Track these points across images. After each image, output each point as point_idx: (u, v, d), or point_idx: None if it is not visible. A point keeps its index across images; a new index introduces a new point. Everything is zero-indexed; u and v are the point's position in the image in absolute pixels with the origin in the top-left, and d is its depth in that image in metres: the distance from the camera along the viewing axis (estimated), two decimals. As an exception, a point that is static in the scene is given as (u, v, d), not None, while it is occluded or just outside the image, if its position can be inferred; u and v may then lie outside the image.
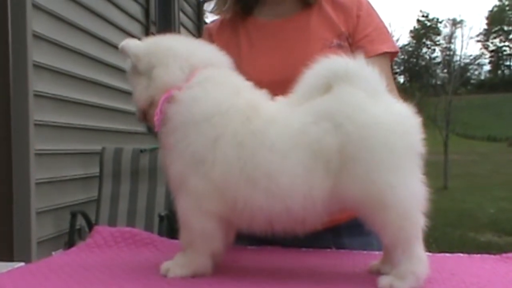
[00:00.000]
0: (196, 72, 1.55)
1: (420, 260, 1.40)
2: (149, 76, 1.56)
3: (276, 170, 1.41)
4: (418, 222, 1.41)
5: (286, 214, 1.43)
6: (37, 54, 4.63)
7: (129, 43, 1.59)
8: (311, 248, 1.87)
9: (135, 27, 7.05)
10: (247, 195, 1.43)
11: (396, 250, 1.41)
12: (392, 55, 2.02)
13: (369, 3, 2.06)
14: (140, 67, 1.57)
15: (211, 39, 2.08)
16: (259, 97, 1.56)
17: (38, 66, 4.65)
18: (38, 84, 4.63)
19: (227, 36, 2.06)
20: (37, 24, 4.63)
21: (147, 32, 7.32)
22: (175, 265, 1.52)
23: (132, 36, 6.76)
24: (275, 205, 1.42)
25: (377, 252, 1.75)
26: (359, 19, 2.00)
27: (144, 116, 1.60)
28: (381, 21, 2.06)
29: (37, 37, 4.65)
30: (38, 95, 4.64)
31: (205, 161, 1.44)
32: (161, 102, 1.51)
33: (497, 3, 79.34)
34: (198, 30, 10.73)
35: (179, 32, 9.03)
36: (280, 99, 1.55)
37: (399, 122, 1.42)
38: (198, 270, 1.51)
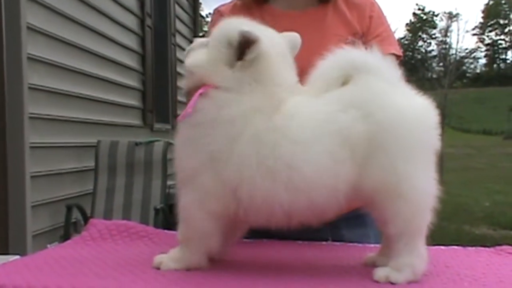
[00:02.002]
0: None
1: (420, 255, 1.41)
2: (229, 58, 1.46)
3: (299, 161, 1.37)
4: (426, 218, 1.42)
5: (307, 208, 1.41)
6: (32, 46, 4.61)
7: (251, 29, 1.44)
8: (309, 240, 1.87)
9: (130, 20, 7.03)
10: (266, 190, 1.39)
11: (400, 241, 1.40)
12: (397, 58, 2.03)
13: (380, 6, 2.11)
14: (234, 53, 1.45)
15: None
16: (285, 93, 1.49)
17: (32, 59, 4.63)
18: (32, 77, 4.61)
19: None
20: (31, 16, 4.61)
21: (142, 25, 7.31)
22: (169, 259, 1.51)
23: (127, 28, 6.76)
24: (297, 198, 1.39)
25: (372, 245, 1.76)
26: (372, 20, 2.04)
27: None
28: (389, 25, 2.10)
29: (32, 29, 4.63)
30: (33, 88, 4.63)
31: (220, 159, 1.41)
32: (197, 95, 1.46)
33: (493, -4, 79.35)
34: (194, 23, 10.72)
35: (174, 24, 9.02)
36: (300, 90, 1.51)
37: (423, 114, 1.44)
38: (191, 266, 1.50)
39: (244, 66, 1.45)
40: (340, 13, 2.04)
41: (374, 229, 1.96)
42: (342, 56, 1.48)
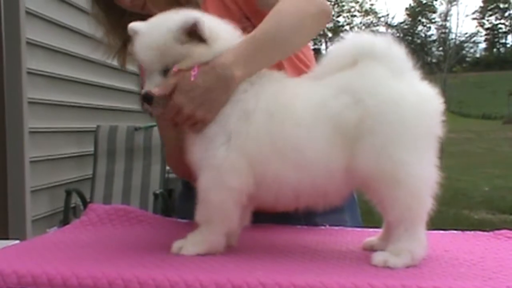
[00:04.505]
0: None
1: (419, 241, 1.41)
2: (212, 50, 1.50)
3: (302, 144, 1.42)
4: (426, 204, 1.42)
5: (311, 187, 1.44)
6: (31, 31, 4.59)
7: (202, 18, 1.46)
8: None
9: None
10: (276, 169, 1.44)
11: (399, 227, 1.41)
12: None
13: None
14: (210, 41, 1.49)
15: None
16: (279, 73, 1.59)
17: (31, 44, 4.62)
18: (31, 61, 4.60)
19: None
20: (30, 0, 4.59)
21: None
22: (188, 243, 1.50)
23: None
24: (302, 178, 1.43)
25: (370, 230, 1.76)
26: None
27: None
28: None
29: (30, 14, 4.62)
30: (32, 73, 4.62)
31: (239, 133, 1.45)
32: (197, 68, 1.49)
33: (493, -20, 78.98)
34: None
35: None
36: (304, 75, 1.58)
37: (420, 102, 1.43)
38: (211, 248, 1.50)
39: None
40: None
41: (352, 212, 1.95)
42: (351, 41, 1.51)
